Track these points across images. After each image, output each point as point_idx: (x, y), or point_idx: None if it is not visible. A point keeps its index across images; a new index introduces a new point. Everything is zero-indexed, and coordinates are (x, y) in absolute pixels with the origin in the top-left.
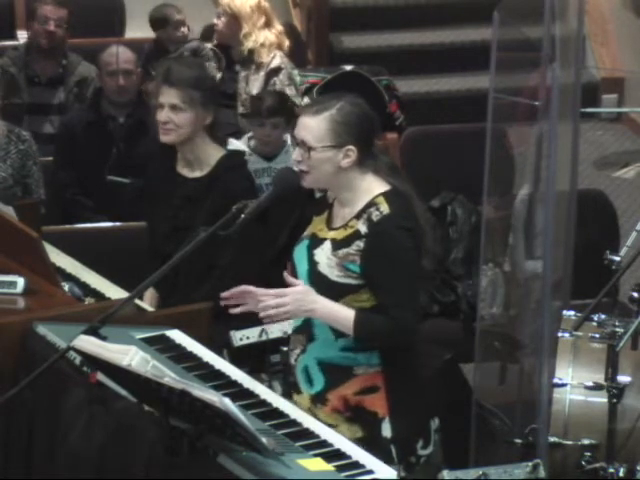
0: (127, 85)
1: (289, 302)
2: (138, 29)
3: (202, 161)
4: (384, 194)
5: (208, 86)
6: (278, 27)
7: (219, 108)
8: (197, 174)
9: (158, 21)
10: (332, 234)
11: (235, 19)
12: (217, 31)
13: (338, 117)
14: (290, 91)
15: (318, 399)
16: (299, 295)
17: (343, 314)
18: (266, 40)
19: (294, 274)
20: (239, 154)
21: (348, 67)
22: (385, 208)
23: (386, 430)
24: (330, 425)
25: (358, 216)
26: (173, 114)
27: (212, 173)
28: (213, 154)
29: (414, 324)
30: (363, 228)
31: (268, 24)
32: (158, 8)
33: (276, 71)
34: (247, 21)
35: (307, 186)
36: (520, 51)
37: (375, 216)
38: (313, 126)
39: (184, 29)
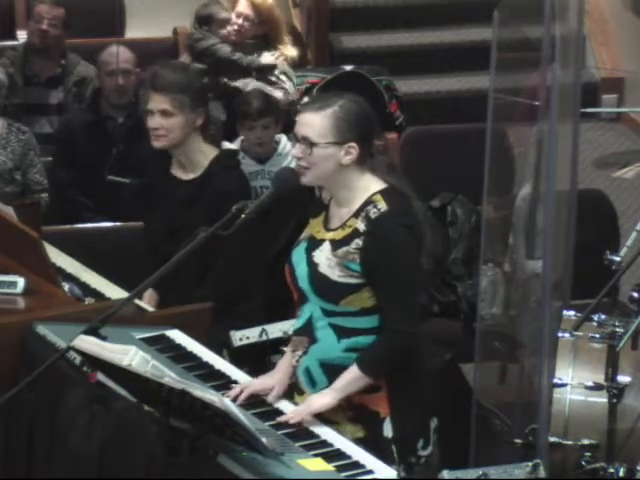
0: (126, 85)
1: (303, 420)
2: (138, 29)
3: (195, 163)
4: (381, 192)
5: (196, 88)
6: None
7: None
8: (191, 176)
9: (204, 18)
10: (330, 235)
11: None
12: (239, 31)
13: (340, 114)
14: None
15: None
16: (307, 409)
17: (348, 376)
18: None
19: (292, 277)
20: (232, 153)
21: (348, 67)
22: (383, 205)
23: (387, 430)
24: (333, 422)
25: (356, 215)
26: (164, 120)
27: (205, 174)
28: (206, 155)
29: (414, 321)
30: (361, 226)
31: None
32: (205, 5)
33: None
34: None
35: (306, 183)
36: (520, 51)
37: (373, 213)
38: (316, 122)
39: (229, 28)
